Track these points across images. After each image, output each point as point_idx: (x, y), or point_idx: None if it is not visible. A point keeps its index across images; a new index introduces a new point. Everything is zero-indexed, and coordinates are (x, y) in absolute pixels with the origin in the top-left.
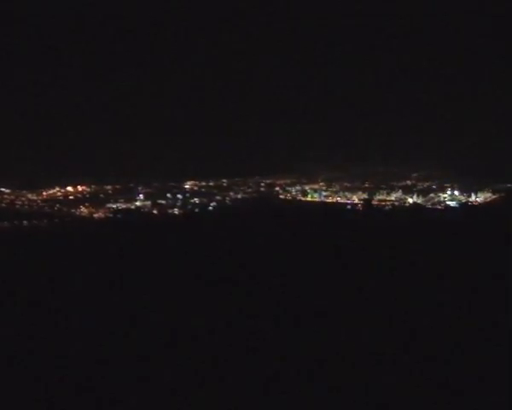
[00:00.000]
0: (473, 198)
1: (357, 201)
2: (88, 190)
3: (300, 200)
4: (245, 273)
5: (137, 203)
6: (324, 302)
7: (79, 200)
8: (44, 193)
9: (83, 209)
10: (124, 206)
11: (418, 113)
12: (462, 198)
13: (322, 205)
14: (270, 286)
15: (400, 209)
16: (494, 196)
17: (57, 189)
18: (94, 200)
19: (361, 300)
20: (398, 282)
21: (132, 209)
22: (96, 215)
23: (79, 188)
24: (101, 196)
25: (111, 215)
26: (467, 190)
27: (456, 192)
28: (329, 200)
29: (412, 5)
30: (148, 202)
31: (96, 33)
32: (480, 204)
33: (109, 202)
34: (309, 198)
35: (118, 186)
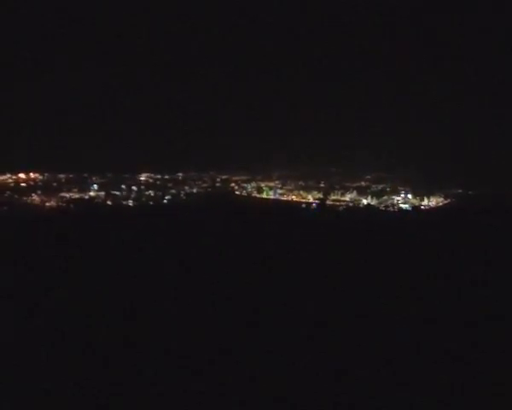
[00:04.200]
0: (425, 202)
1: (311, 200)
2: (40, 177)
3: (255, 197)
4: (197, 269)
5: (91, 193)
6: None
7: (31, 187)
8: None
9: (34, 197)
10: (77, 196)
11: (375, 115)
12: (415, 202)
13: (277, 203)
14: (219, 283)
15: (354, 210)
16: (446, 201)
17: (8, 175)
18: (46, 188)
19: (308, 298)
20: (346, 282)
21: (86, 199)
22: (48, 204)
23: (32, 175)
24: (54, 184)
25: (63, 205)
26: (420, 194)
27: (409, 195)
28: (284, 198)
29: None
30: (102, 193)
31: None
32: (431, 208)
33: (62, 191)
34: (264, 195)
35: (71, 175)
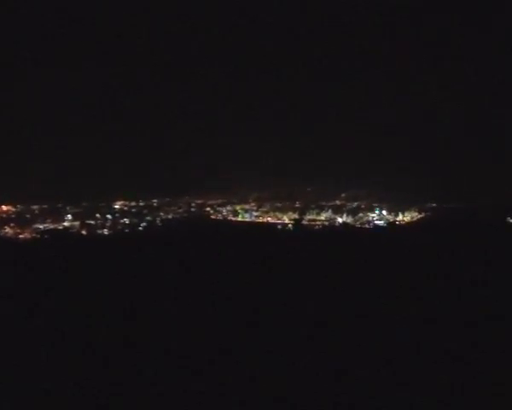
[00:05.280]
0: (400, 217)
1: (287, 221)
2: (13, 209)
3: (231, 220)
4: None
5: (65, 224)
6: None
7: (4, 220)
8: None
9: (8, 230)
10: (51, 226)
11: (348, 132)
12: (390, 217)
13: (253, 225)
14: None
15: (330, 229)
16: (420, 216)
17: None
18: (20, 220)
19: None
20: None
21: (60, 230)
22: (21, 236)
23: (4, 208)
24: (28, 216)
25: (38, 236)
26: (394, 210)
27: (384, 212)
28: (260, 220)
29: None
30: (77, 223)
31: None
32: (406, 223)
33: (36, 223)
34: (240, 218)
35: (45, 206)
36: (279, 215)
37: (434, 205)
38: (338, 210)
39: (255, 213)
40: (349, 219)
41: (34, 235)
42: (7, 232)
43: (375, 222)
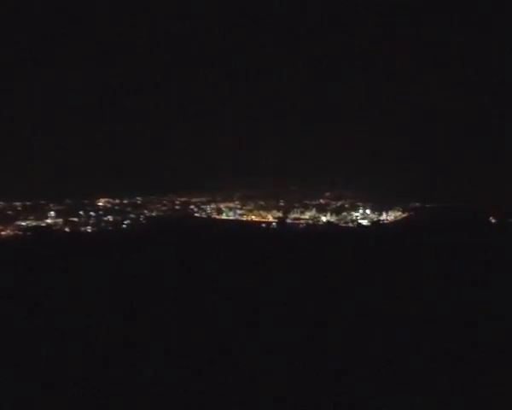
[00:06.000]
0: (384, 217)
1: (271, 219)
2: None
3: (215, 218)
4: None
5: (48, 221)
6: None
7: None
8: None
9: None
10: (34, 223)
11: (332, 132)
12: (374, 217)
13: (237, 224)
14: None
15: (314, 227)
16: (404, 215)
17: None
18: (2, 217)
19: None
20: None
21: (43, 227)
22: (3, 233)
23: None
24: (10, 212)
25: (20, 233)
26: (378, 209)
27: (367, 211)
28: (244, 218)
29: None
30: (60, 220)
31: None
32: (390, 222)
33: (18, 220)
34: (224, 216)
35: (28, 203)
36: (263, 214)
37: (418, 205)
38: (322, 209)
39: (239, 212)
40: (333, 218)
41: (16, 232)
42: None
43: (359, 221)
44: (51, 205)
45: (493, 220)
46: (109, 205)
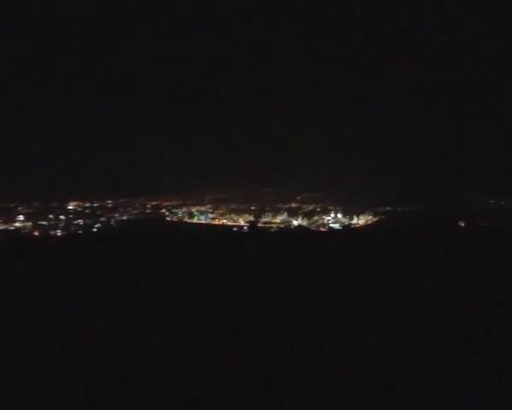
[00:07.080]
0: (355, 221)
1: (243, 223)
2: None
3: (186, 222)
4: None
5: (17, 224)
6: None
7: None
8: None
9: None
10: (2, 227)
11: (303, 134)
12: (345, 221)
13: (208, 228)
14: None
15: (285, 232)
16: (375, 219)
17: None
18: None
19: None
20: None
21: (11, 230)
22: None
23: None
24: None
25: None
26: (349, 213)
27: (339, 215)
28: (216, 222)
29: None
30: (29, 223)
31: None
32: (361, 226)
33: None
34: (195, 220)
35: None
36: (235, 217)
37: (389, 209)
38: (293, 213)
39: (211, 216)
40: (304, 222)
41: None
42: None
43: (331, 225)
44: (20, 208)
45: (462, 224)
46: (79, 208)
